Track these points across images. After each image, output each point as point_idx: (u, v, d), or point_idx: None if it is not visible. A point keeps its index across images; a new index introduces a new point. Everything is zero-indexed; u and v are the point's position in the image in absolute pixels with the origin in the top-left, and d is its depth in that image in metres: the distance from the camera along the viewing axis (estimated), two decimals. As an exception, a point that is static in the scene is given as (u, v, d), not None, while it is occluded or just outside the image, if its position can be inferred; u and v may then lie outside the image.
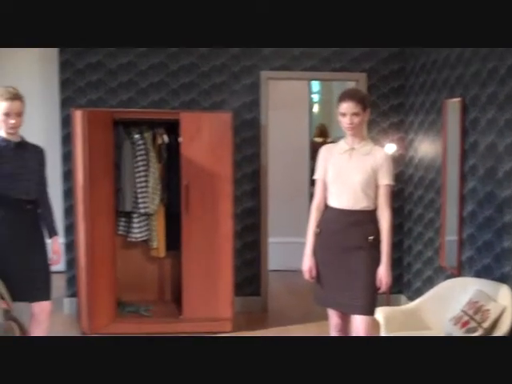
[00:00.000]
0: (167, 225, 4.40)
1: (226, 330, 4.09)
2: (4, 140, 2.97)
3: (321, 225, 2.91)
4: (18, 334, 2.88)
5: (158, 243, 4.39)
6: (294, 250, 5.69)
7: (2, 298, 2.89)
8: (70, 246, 4.39)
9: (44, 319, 3.09)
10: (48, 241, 3.14)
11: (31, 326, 3.07)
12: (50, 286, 3.12)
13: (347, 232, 2.80)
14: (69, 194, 4.40)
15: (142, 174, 4.23)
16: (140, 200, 4.25)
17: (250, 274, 4.64)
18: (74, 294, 4.48)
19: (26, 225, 3.00)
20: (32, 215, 3.04)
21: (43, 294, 3.07)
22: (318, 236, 2.91)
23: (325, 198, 2.91)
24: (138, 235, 4.31)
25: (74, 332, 4.12)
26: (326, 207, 2.91)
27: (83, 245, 3.95)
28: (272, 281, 5.03)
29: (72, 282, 4.50)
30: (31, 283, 3.01)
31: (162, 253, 4.42)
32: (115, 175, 4.19)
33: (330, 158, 2.90)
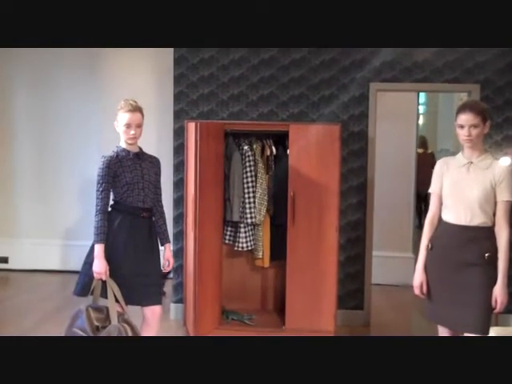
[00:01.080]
0: (272, 235, 4.39)
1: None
2: (124, 150, 3.07)
3: (434, 240, 2.79)
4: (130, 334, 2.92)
5: (263, 253, 4.39)
6: (397, 265, 5.58)
7: (117, 302, 2.98)
8: (178, 254, 4.46)
9: (155, 323, 3.15)
10: (160, 248, 3.20)
11: (142, 330, 3.13)
12: (162, 291, 3.21)
13: (463, 248, 2.68)
14: (178, 202, 4.50)
15: (250, 184, 4.25)
16: (247, 210, 4.27)
17: (353, 287, 4.55)
18: (180, 300, 4.55)
19: (142, 231, 3.07)
20: (147, 222, 3.11)
21: (155, 298, 3.13)
22: (431, 251, 2.79)
23: (439, 213, 2.79)
24: (245, 245, 4.32)
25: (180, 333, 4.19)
26: (440, 222, 2.79)
27: (192, 252, 4.00)
28: (375, 295, 4.92)
29: (178, 288, 4.57)
30: (145, 288, 3.06)
31: (266, 263, 4.41)
32: (224, 185, 4.24)
33: (447, 172, 2.79)
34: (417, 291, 2.81)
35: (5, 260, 6.06)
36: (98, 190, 2.97)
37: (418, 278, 2.81)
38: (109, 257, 2.97)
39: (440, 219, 2.81)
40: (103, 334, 2.89)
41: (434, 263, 2.78)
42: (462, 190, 2.72)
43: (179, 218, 4.50)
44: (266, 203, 4.33)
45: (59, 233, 6.02)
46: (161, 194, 3.24)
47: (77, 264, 3.23)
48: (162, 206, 3.24)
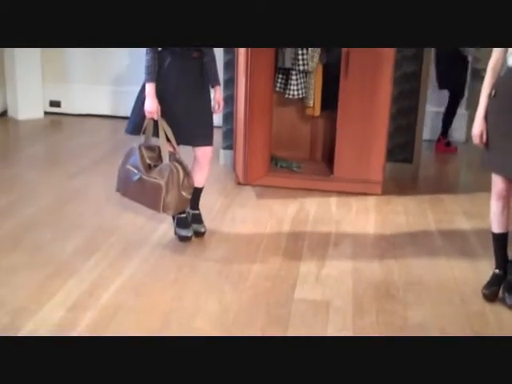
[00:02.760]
0: (324, 84, 4.27)
1: (376, 193, 4.07)
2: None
3: (497, 86, 2.60)
4: (181, 175, 2.95)
5: (314, 102, 4.30)
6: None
7: (169, 142, 2.98)
8: (227, 101, 4.40)
9: (205, 164, 3.18)
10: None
11: (193, 170, 3.16)
12: (213, 132, 3.16)
13: None
14: (229, 48, 4.36)
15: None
16: (300, 57, 4.13)
17: (403, 140, 4.45)
18: (229, 147, 4.58)
19: (193, 72, 3.01)
20: (198, 63, 3.04)
21: (207, 139, 3.12)
22: (494, 98, 2.61)
23: (502, 58, 2.56)
24: (296, 92, 4.21)
25: (229, 181, 4.27)
26: (504, 68, 2.58)
27: (242, 99, 3.95)
28: (424, 150, 4.83)
29: (228, 135, 4.58)
30: (196, 128, 3.06)
31: (317, 112, 4.34)
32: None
33: None
34: (476, 140, 2.68)
35: (57, 104, 6.12)
36: None
37: (478, 126, 2.66)
38: (160, 96, 2.94)
39: (504, 64, 2.59)
40: (155, 172, 2.94)
41: (497, 111, 2.61)
42: None
43: (230, 65, 4.40)
44: (319, 50, 4.15)
45: (110, 78, 6.00)
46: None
47: (127, 110, 3.24)
48: (212, 49, 3.13)
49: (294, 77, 4.19)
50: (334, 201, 3.96)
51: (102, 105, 6.05)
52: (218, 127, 4.48)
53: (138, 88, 3.05)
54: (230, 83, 4.40)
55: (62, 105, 6.11)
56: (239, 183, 4.16)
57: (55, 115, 6.06)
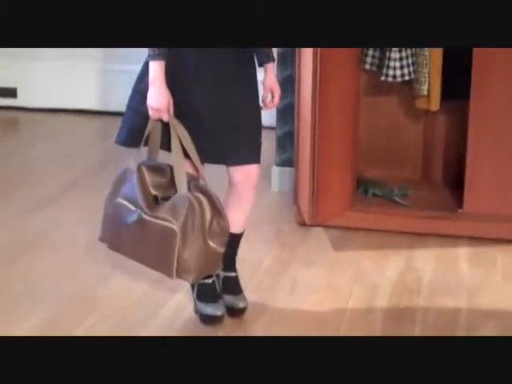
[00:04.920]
0: (446, 61, 4.15)
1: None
2: None
3: None
4: (208, 214, 2.90)
5: (430, 88, 4.13)
6: None
7: (188, 158, 2.94)
8: (285, 87, 4.30)
9: (248, 193, 3.13)
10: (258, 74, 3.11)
11: (229, 203, 3.12)
12: (261, 142, 3.13)
13: None
14: None
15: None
16: None
17: None
18: (287, 163, 4.56)
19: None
20: None
21: (250, 154, 3.07)
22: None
23: None
24: (398, 72, 4.05)
25: (286, 220, 4.26)
26: None
27: (308, 82, 3.85)
28: None
29: (285, 142, 4.57)
30: (233, 136, 3.01)
31: (434, 104, 4.17)
32: None
33: None
34: None
35: (12, 93, 6.19)
36: None
37: None
38: (173, 84, 2.91)
39: None
40: (165, 208, 2.90)
41: None
42: None
43: None
44: None
45: (94, 53, 5.97)
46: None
47: (120, 103, 3.32)
48: None
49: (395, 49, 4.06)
50: (463, 254, 3.92)
51: (81, 94, 6.08)
52: (270, 129, 4.44)
53: (138, 67, 3.03)
54: (289, 59, 4.36)
55: (19, 94, 6.19)
56: (303, 224, 4.10)
57: (8, 110, 6.13)
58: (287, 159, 4.55)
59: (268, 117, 3.63)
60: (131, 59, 5.64)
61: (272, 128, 4.58)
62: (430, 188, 4.42)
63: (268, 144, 4.24)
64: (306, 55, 3.90)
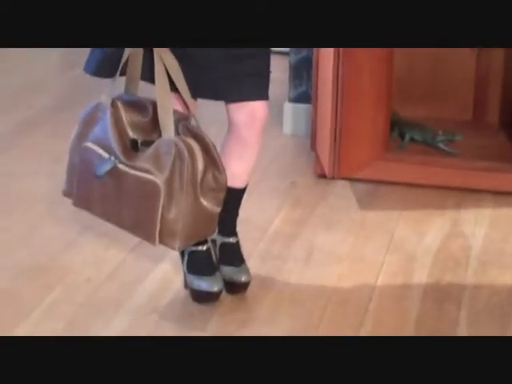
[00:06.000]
0: None
1: None
2: None
3: None
4: (200, 163, 2.91)
5: None
6: None
7: (175, 91, 2.95)
8: None
9: (252, 138, 3.14)
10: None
11: (227, 150, 3.14)
12: (269, 71, 3.13)
13: None
14: None
15: None
16: None
17: None
18: (303, 98, 4.61)
19: None
20: None
21: (255, 86, 3.07)
22: None
23: None
24: None
25: (302, 171, 4.29)
26: None
27: None
28: None
29: (301, 72, 4.62)
30: (233, 64, 3.01)
31: None
32: None
33: None
34: None
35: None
36: None
37: None
38: None
39: None
40: (146, 156, 2.91)
41: None
42: None
43: None
44: None
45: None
46: None
47: None
48: None
49: None
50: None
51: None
52: (281, 54, 4.46)
53: None
54: None
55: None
56: (323, 176, 4.14)
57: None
58: (303, 93, 4.59)
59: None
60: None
61: (284, 53, 4.62)
62: (482, 132, 4.47)
63: (279, 74, 4.22)
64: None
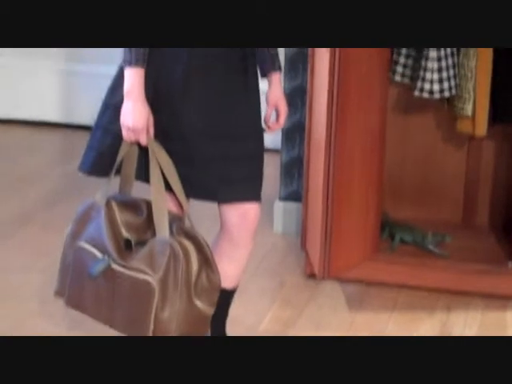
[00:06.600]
0: (496, 72, 4.18)
1: None
2: None
3: None
4: (195, 264, 2.92)
5: (476, 108, 4.16)
6: None
7: (170, 191, 2.96)
8: (294, 100, 4.44)
9: (244, 239, 3.13)
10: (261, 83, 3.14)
11: (220, 252, 3.12)
12: (262, 172, 3.14)
13: None
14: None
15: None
16: None
17: None
18: (294, 196, 4.60)
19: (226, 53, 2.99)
20: None
21: (248, 187, 3.08)
22: None
23: None
24: (436, 87, 4.07)
25: (292, 270, 4.29)
26: None
27: (324, 96, 3.85)
28: None
29: (291, 171, 4.62)
30: (229, 166, 3.02)
31: (481, 129, 4.19)
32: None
33: None
34: None
35: None
36: None
37: None
38: (154, 98, 2.95)
39: None
40: (140, 256, 2.89)
41: None
42: None
43: None
44: None
45: (53, 49, 6.00)
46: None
47: (87, 115, 3.23)
48: None
49: (432, 54, 4.08)
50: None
51: (38, 101, 6.12)
52: (273, 152, 4.46)
53: (110, 68, 3.13)
54: (299, 65, 4.40)
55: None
56: (313, 276, 4.12)
57: None
58: (294, 192, 4.58)
59: (271, 137, 3.62)
60: (100, 58, 5.68)
61: (276, 151, 4.63)
62: (473, 234, 4.45)
63: (270, 172, 4.24)
64: (321, 60, 3.91)
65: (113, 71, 3.04)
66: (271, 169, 4.47)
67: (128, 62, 2.87)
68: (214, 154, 2.99)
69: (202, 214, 3.11)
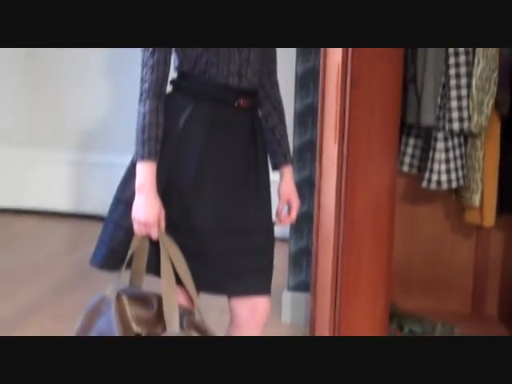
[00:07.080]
0: (504, 160, 4.22)
1: None
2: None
3: None
4: None
5: (484, 198, 4.20)
6: None
7: (180, 285, 2.96)
8: (302, 192, 4.36)
9: (254, 333, 3.12)
10: (272, 176, 3.15)
11: None
12: (272, 266, 3.16)
13: None
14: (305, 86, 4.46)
15: (463, 59, 4.13)
16: (453, 104, 4.12)
17: None
18: (302, 287, 4.61)
19: (236, 138, 3.02)
20: (247, 120, 3.07)
21: (258, 281, 3.08)
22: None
23: None
24: (444, 177, 4.12)
25: None
26: None
27: (331, 194, 3.87)
28: None
29: (299, 261, 4.64)
30: (240, 260, 3.02)
31: (489, 219, 4.23)
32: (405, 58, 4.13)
33: None
34: None
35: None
36: (145, 55, 2.94)
37: None
38: (166, 192, 2.95)
39: None
40: None
41: None
42: None
43: (305, 118, 4.42)
44: (493, 89, 4.13)
45: (64, 140, 6.05)
46: (275, 63, 3.20)
47: (98, 206, 3.22)
48: (277, 86, 3.20)
49: (439, 145, 4.14)
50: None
51: (48, 192, 6.16)
52: (281, 241, 4.44)
53: (123, 160, 3.08)
54: (306, 155, 4.46)
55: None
56: None
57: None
58: (302, 282, 4.59)
59: (280, 227, 3.62)
60: (111, 148, 5.72)
61: (284, 240, 4.61)
62: (482, 325, 4.43)
63: (279, 261, 4.22)
64: (328, 150, 3.95)
65: (121, 161, 3.07)
66: (280, 258, 4.44)
67: (140, 155, 2.88)
68: (224, 249, 2.99)
69: (210, 305, 3.09)
